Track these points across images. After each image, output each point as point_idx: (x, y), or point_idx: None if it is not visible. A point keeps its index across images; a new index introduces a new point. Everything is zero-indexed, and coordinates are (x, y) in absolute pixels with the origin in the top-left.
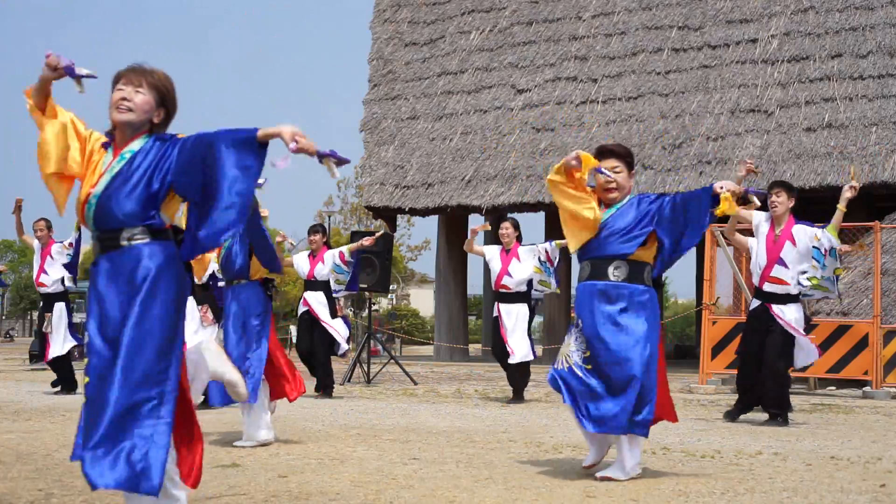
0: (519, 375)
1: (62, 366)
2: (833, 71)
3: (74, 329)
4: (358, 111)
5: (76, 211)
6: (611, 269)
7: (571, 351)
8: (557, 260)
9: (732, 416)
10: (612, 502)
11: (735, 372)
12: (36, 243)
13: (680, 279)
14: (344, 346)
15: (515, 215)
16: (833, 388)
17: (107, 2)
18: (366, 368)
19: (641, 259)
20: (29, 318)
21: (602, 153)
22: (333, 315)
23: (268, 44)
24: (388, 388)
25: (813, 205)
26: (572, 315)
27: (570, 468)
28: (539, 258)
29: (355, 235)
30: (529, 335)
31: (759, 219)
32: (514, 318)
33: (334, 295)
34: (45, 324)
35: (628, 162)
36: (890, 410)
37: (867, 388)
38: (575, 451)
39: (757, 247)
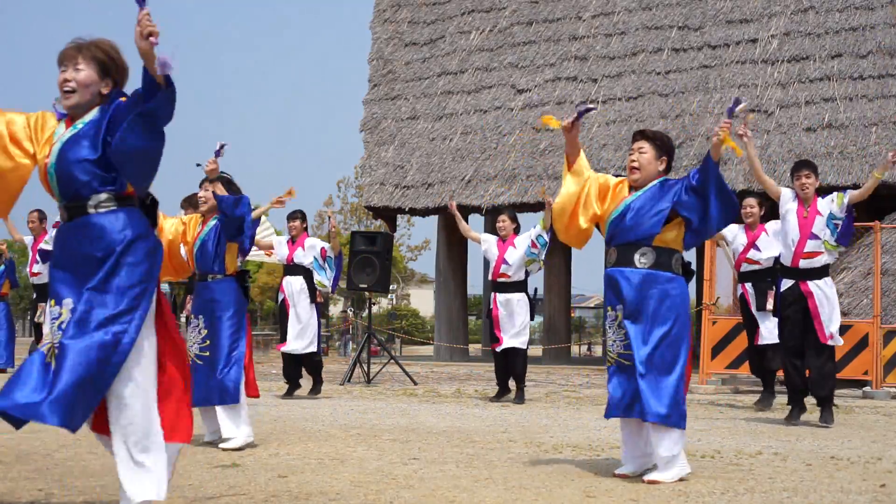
0: (518, 366)
1: None
2: (833, 71)
3: None
4: (358, 111)
5: (42, 184)
6: (637, 256)
7: (613, 343)
8: (542, 243)
9: (793, 418)
10: (612, 502)
11: (735, 372)
12: (28, 238)
13: None
14: (311, 348)
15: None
16: None
17: (109, 4)
18: (366, 368)
19: (668, 245)
20: (29, 317)
21: (634, 136)
22: (313, 299)
23: (268, 43)
24: (388, 388)
25: None
26: (572, 314)
27: (570, 468)
28: (529, 243)
29: (356, 235)
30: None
31: (786, 197)
32: (513, 306)
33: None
34: (38, 313)
35: (658, 146)
36: (890, 410)
37: (867, 388)
38: (575, 451)
39: (788, 225)
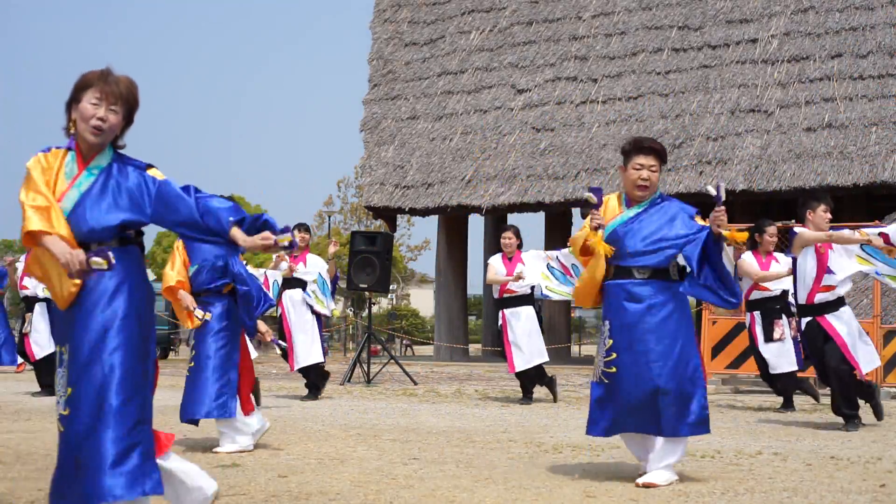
0: (535, 375)
1: (47, 368)
2: (833, 71)
3: None
4: (358, 111)
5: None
6: (635, 270)
7: (600, 360)
8: (574, 265)
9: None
10: (612, 502)
11: (735, 372)
12: (23, 258)
13: None
14: (319, 358)
15: (515, 215)
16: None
17: None
18: (366, 368)
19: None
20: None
21: (641, 149)
22: (314, 310)
23: (267, 43)
24: (388, 388)
25: None
26: (572, 314)
27: (571, 468)
28: (549, 265)
29: (356, 235)
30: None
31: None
32: (523, 320)
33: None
34: (25, 324)
35: (664, 160)
36: (890, 410)
37: None
38: (575, 451)
39: (806, 263)
